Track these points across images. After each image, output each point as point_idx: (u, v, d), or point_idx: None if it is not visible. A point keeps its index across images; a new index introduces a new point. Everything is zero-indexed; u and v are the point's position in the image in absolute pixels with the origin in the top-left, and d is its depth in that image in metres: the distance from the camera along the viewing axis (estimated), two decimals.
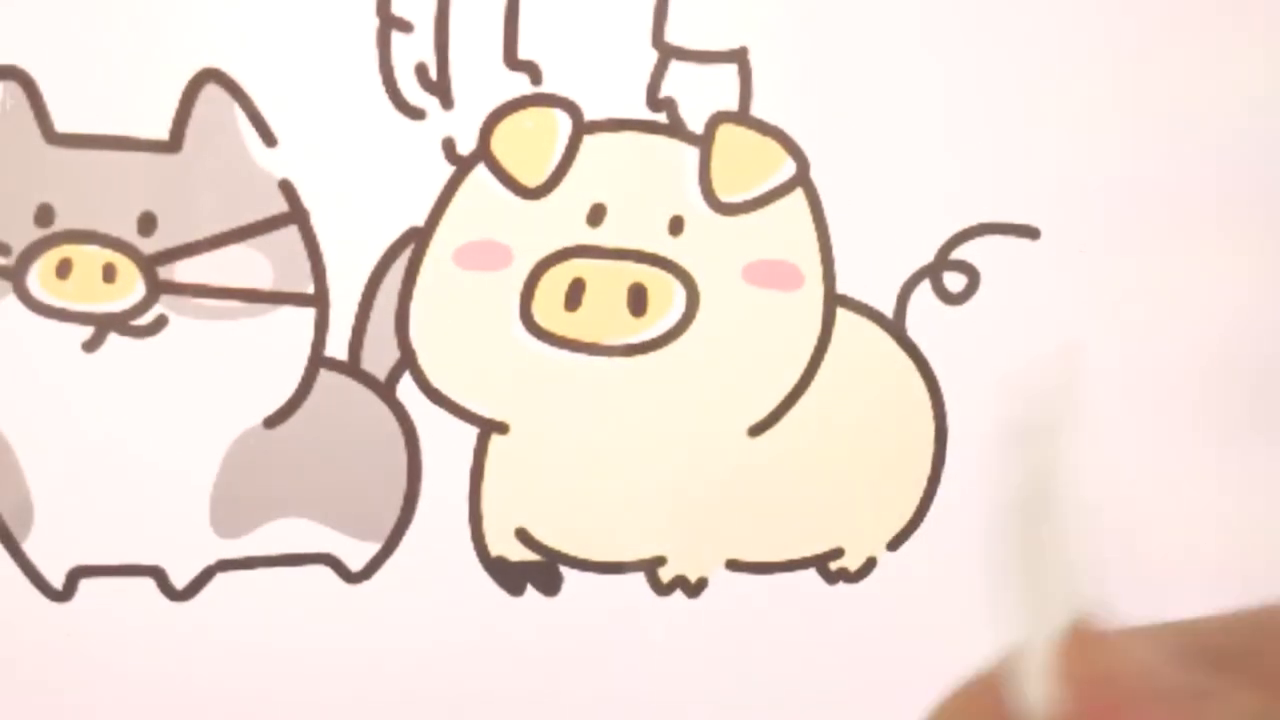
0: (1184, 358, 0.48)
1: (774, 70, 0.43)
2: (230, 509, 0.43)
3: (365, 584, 0.45)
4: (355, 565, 0.44)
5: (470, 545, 0.45)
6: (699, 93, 0.43)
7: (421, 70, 0.41)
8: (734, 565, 0.47)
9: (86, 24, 0.40)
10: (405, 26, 0.41)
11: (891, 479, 0.47)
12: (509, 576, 0.46)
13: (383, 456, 0.44)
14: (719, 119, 0.43)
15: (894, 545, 0.47)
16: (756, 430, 0.46)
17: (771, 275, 0.45)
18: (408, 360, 0.43)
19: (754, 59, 0.43)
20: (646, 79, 0.43)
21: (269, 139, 0.41)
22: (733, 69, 0.43)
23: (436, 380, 0.44)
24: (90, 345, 0.42)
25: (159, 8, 0.40)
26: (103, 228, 0.41)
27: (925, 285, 0.46)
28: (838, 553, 0.47)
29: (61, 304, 0.41)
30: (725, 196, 0.44)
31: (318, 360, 0.43)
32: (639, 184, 0.43)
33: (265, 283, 0.42)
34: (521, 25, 0.42)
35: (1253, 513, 0.49)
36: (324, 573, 0.44)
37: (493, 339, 0.44)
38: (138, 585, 0.43)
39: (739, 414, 0.46)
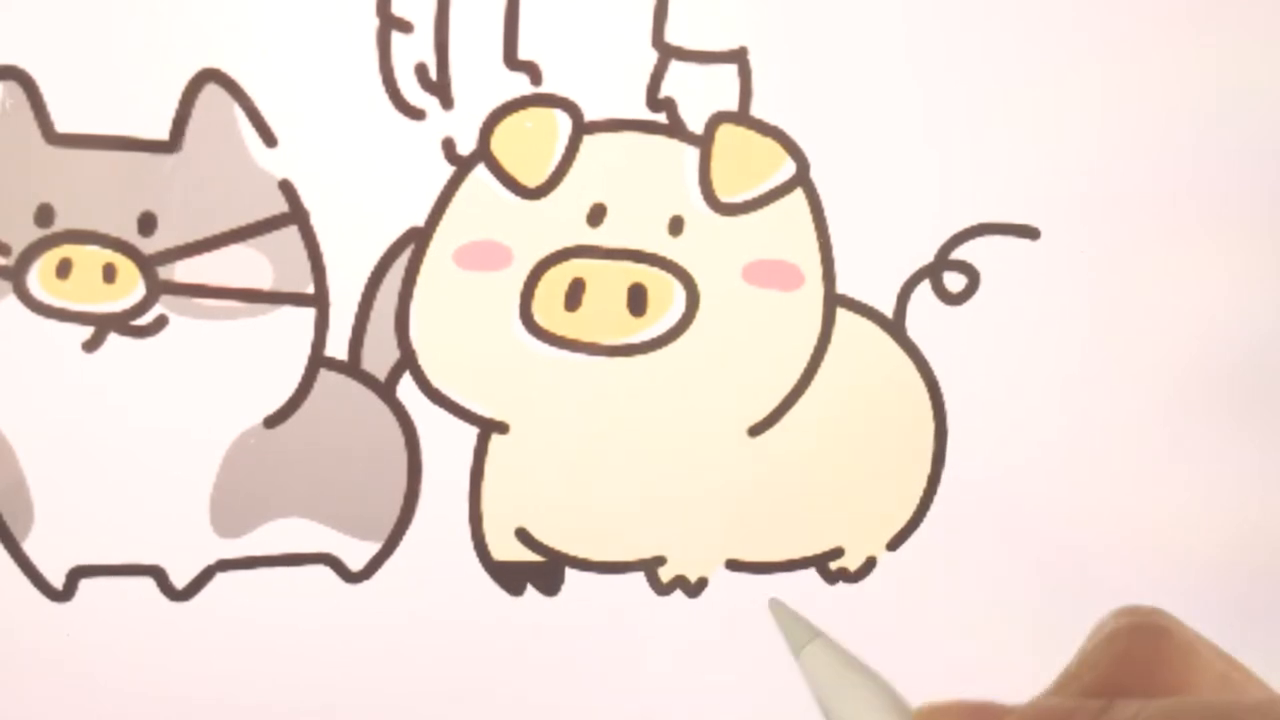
0: (1183, 357, 0.48)
1: (774, 70, 0.43)
2: (230, 509, 0.43)
3: (365, 584, 0.45)
4: (355, 565, 0.44)
5: (470, 545, 0.45)
6: (699, 93, 0.43)
7: (421, 70, 0.41)
8: (734, 565, 0.47)
9: (86, 24, 0.40)
10: (405, 26, 0.41)
11: (891, 479, 0.47)
12: (509, 576, 0.46)
13: (383, 456, 0.44)
14: (719, 119, 0.43)
15: (894, 545, 0.47)
16: (756, 430, 0.46)
17: (771, 275, 0.45)
18: (408, 360, 0.43)
19: (754, 59, 0.43)
20: (646, 79, 0.43)
21: (269, 139, 0.41)
22: (733, 69, 0.43)
23: (436, 380, 0.44)
24: (90, 345, 0.42)
25: (159, 8, 0.40)
26: (103, 228, 0.41)
27: (925, 285, 0.46)
28: (837, 552, 0.47)
29: (61, 304, 0.41)
30: (725, 196, 0.44)
31: (318, 360, 0.43)
32: (639, 184, 0.43)
33: (265, 283, 0.42)
34: (521, 25, 0.42)
35: (1252, 509, 0.49)
36: (324, 573, 0.44)
37: (493, 339, 0.44)
38: (138, 585, 0.43)
39: (739, 414, 0.46)
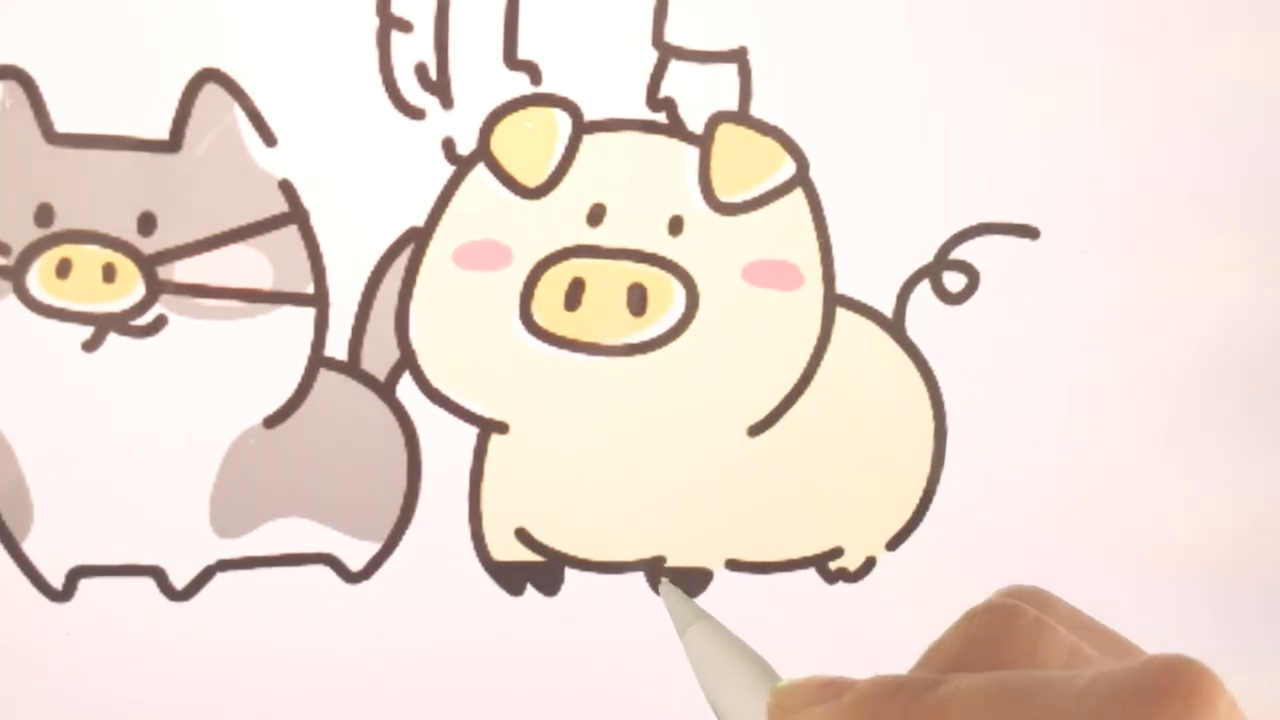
0: (1183, 357, 0.48)
1: (774, 70, 0.43)
2: (230, 509, 0.43)
3: (365, 584, 0.45)
4: (355, 565, 0.44)
5: (470, 545, 0.45)
6: (699, 93, 0.43)
7: (421, 70, 0.41)
8: (734, 565, 0.47)
9: (86, 24, 0.40)
10: (405, 26, 0.41)
11: (891, 479, 0.47)
12: (509, 576, 0.46)
13: (383, 456, 0.44)
14: (719, 119, 0.43)
15: (893, 545, 0.47)
16: (756, 430, 0.46)
17: (771, 275, 0.45)
18: (408, 360, 0.43)
19: (754, 59, 0.43)
20: (646, 79, 0.43)
21: (269, 139, 0.41)
22: (733, 69, 0.43)
23: (436, 380, 0.44)
24: (90, 345, 0.42)
25: (159, 8, 0.40)
26: (103, 228, 0.41)
27: (925, 285, 0.46)
28: (837, 552, 0.47)
29: (61, 304, 0.41)
30: (725, 196, 0.44)
31: (318, 360, 0.43)
32: (639, 184, 0.43)
33: (265, 283, 0.42)
34: (521, 25, 0.42)
35: (1252, 509, 0.49)
36: (324, 573, 0.44)
37: (493, 339, 0.44)
38: (138, 585, 0.43)
39: (739, 414, 0.46)
